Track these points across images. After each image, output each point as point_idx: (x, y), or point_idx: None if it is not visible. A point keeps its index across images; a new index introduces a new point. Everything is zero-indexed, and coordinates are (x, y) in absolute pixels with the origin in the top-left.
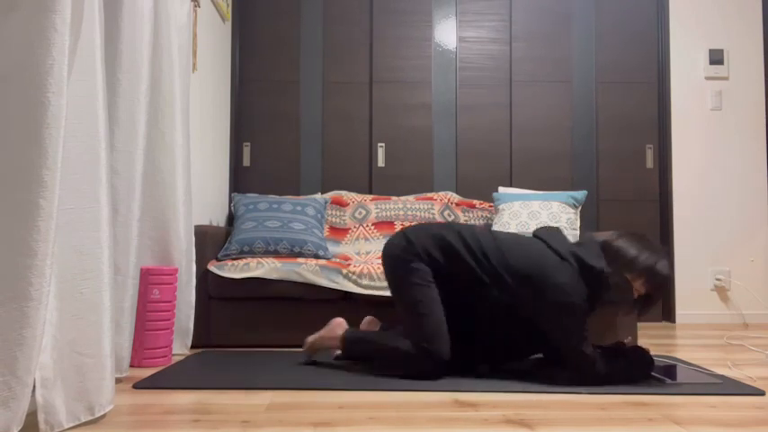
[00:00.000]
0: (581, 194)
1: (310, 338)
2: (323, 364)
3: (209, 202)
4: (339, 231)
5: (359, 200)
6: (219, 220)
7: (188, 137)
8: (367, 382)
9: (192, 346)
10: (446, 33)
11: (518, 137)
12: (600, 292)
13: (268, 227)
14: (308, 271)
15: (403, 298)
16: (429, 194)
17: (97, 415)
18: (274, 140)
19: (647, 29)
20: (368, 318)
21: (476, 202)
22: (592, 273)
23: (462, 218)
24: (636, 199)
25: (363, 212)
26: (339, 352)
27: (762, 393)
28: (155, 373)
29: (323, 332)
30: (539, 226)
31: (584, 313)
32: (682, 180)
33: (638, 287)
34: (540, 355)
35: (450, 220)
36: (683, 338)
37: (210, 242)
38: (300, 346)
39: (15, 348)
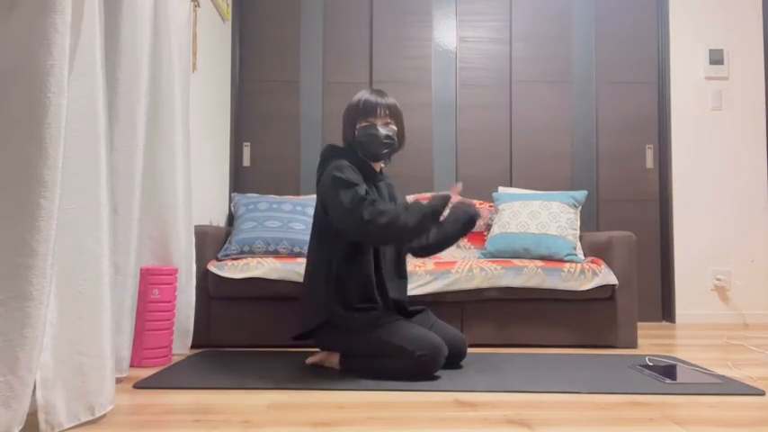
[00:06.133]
0: (581, 194)
1: (309, 360)
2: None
3: (209, 202)
4: None
5: None
6: (219, 220)
7: (188, 137)
8: (367, 382)
9: (192, 346)
10: (446, 33)
11: (518, 137)
12: (359, 153)
13: (268, 227)
14: None
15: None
16: (429, 194)
17: (97, 415)
18: (274, 140)
19: (647, 29)
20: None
21: (476, 201)
22: (339, 149)
23: None
24: (636, 199)
25: None
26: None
27: (762, 393)
28: (155, 373)
29: (321, 355)
30: (538, 226)
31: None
32: (682, 180)
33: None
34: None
35: None
36: (683, 338)
37: (210, 242)
38: (300, 346)
39: (17, 348)
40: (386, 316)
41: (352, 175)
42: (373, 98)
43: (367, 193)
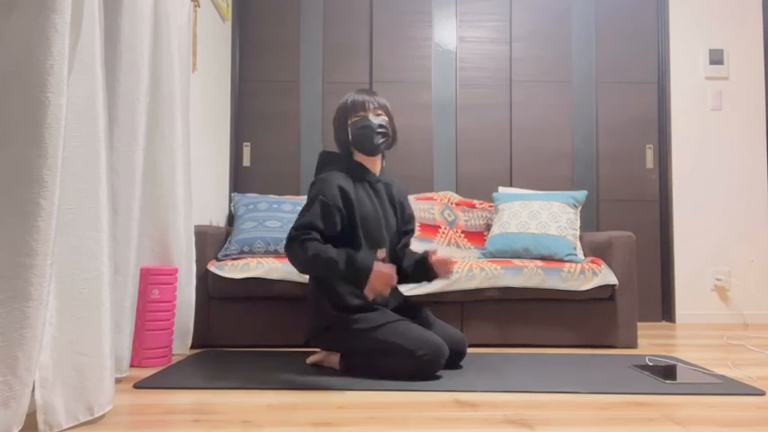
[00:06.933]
0: (581, 194)
1: (309, 360)
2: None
3: (209, 202)
4: None
5: None
6: (219, 220)
7: (188, 137)
8: (367, 382)
9: (192, 346)
10: (446, 33)
11: (518, 137)
12: (354, 148)
13: (268, 227)
14: None
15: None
16: (429, 194)
17: (96, 415)
18: (274, 140)
19: (647, 29)
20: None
21: (476, 202)
22: (333, 157)
23: (462, 218)
24: (636, 199)
25: None
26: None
27: (762, 393)
28: (155, 373)
29: (321, 355)
30: (538, 226)
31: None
32: (682, 180)
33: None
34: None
35: (450, 220)
36: (683, 338)
37: (210, 242)
38: (300, 346)
39: (16, 348)
40: (385, 316)
41: (322, 205)
42: (361, 96)
43: (321, 234)
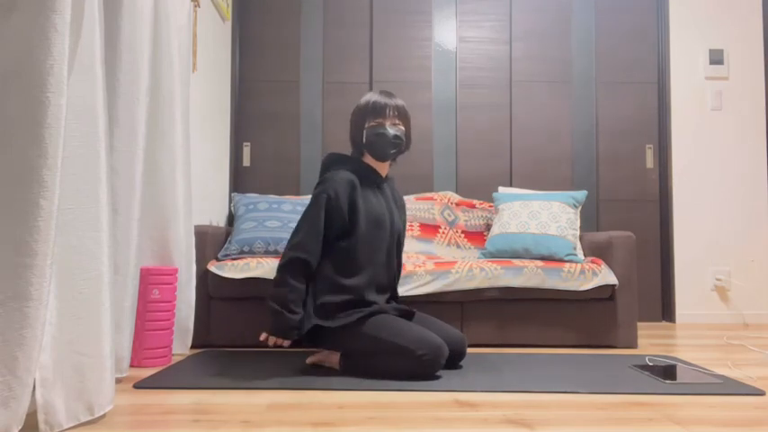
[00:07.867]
0: (581, 194)
1: (309, 360)
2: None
3: (209, 202)
4: None
5: None
6: (219, 220)
7: (188, 137)
8: (367, 382)
9: (192, 346)
10: (446, 33)
11: (518, 137)
12: (367, 152)
13: (268, 227)
14: None
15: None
16: (429, 194)
17: (97, 415)
18: (274, 140)
19: (648, 29)
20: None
21: (476, 202)
22: (341, 158)
23: (462, 218)
24: (636, 199)
25: None
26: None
27: (762, 393)
28: (155, 373)
29: (321, 355)
30: (538, 226)
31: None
32: (682, 180)
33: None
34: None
35: (450, 220)
36: (683, 338)
37: (210, 242)
38: (300, 346)
39: (16, 348)
40: (385, 315)
41: (327, 202)
42: (382, 99)
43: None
